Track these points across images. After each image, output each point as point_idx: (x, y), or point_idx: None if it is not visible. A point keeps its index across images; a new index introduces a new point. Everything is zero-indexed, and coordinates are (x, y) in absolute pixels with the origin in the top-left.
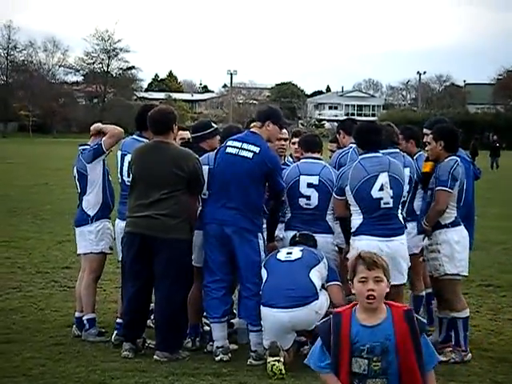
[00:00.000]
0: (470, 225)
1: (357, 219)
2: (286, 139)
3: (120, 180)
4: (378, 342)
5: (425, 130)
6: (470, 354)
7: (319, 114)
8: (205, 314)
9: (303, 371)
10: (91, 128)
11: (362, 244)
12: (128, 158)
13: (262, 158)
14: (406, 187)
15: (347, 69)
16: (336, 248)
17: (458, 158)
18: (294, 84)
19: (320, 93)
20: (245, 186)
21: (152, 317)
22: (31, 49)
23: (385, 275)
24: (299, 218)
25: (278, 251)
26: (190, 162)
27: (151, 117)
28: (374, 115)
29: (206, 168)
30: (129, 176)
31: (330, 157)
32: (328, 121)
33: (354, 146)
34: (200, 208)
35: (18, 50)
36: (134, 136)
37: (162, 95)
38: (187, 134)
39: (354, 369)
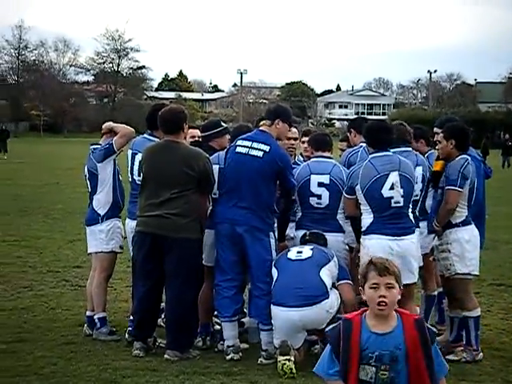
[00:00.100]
0: (480, 224)
1: (367, 218)
2: (295, 139)
3: (130, 179)
4: (388, 350)
5: (435, 129)
6: (481, 354)
7: (329, 113)
8: (215, 313)
9: None
10: (103, 126)
11: (373, 243)
12: (139, 156)
13: (273, 156)
14: (419, 186)
15: (357, 68)
16: (347, 247)
17: (468, 157)
18: (304, 83)
19: (330, 92)
20: (256, 185)
21: (163, 316)
22: (42, 49)
23: (397, 282)
24: (310, 217)
25: (289, 250)
26: (200, 161)
27: (162, 116)
28: (384, 114)
29: (216, 167)
30: (139, 175)
31: (341, 156)
32: (338, 120)
33: (364, 144)
34: (210, 207)
35: (29, 49)
36: (145, 135)
37: (172, 95)
38: (197, 133)
39: (361, 376)
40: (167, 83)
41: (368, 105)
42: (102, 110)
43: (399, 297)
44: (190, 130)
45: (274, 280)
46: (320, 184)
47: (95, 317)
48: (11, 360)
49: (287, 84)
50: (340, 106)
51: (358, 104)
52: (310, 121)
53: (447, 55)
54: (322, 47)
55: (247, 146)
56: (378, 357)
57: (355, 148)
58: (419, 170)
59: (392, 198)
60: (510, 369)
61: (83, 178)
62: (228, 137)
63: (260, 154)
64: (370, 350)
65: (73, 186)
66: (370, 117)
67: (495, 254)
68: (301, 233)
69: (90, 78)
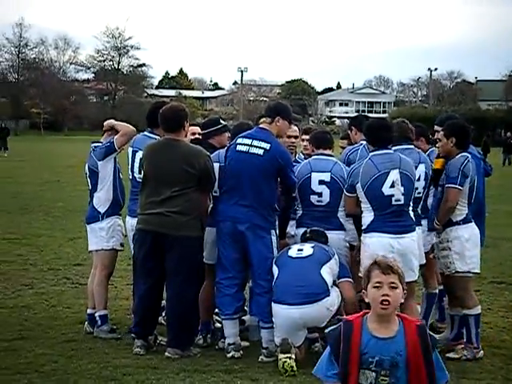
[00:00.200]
0: (480, 222)
1: (368, 216)
2: (296, 137)
3: (131, 177)
4: (388, 356)
5: (436, 127)
6: (481, 351)
7: (330, 111)
8: (216, 310)
9: None
10: (104, 124)
11: (373, 241)
12: (139, 154)
13: (273, 154)
14: (422, 183)
15: (358, 65)
16: (347, 245)
17: (468, 155)
18: (304, 81)
19: (330, 90)
20: (257, 183)
21: (163, 314)
22: (42, 46)
23: (400, 282)
24: (311, 214)
25: (289, 248)
26: (201, 159)
27: (163, 114)
28: (384, 112)
29: (216, 165)
30: (140, 173)
31: (341, 153)
32: (339, 118)
33: (364, 142)
34: (211, 205)
35: (29, 47)
36: (146, 133)
37: (172, 92)
38: (198, 130)
39: (361, 381)
40: (167, 81)
41: (368, 103)
42: (102, 107)
43: (402, 300)
44: (191, 128)
45: (275, 278)
46: (321, 182)
47: (96, 314)
48: (12, 358)
49: (288, 82)
50: (340, 104)
51: (358, 102)
52: (310, 119)
53: (447, 53)
54: (322, 45)
55: (248, 144)
56: (378, 362)
57: (355, 146)
58: (422, 168)
59: (393, 195)
60: (511, 367)
61: (84, 176)
62: (228, 134)
63: (260, 151)
64: (370, 354)
65: (73, 183)
66: (370, 115)
67: (496, 251)
68: (301, 231)
69: (91, 76)
